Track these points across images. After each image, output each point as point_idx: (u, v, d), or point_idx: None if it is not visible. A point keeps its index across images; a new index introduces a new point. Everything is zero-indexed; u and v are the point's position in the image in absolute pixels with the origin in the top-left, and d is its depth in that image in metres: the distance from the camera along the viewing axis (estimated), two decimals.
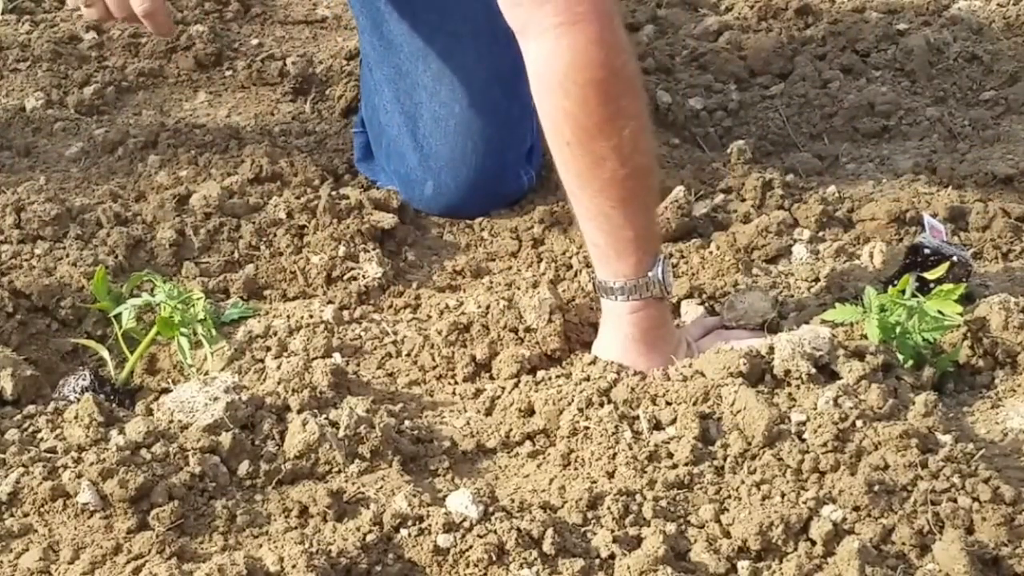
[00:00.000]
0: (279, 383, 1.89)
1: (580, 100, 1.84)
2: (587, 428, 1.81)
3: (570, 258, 2.30)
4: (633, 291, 1.93)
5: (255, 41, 3.10)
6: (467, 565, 1.58)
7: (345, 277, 2.23)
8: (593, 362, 1.97)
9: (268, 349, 2.05)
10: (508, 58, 2.44)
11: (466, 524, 1.61)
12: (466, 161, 2.44)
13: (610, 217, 1.90)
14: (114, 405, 1.89)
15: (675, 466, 1.75)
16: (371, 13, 2.46)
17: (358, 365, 2.05)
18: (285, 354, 2.03)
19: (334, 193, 2.42)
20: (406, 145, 2.46)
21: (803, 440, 1.75)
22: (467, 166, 2.45)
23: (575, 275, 2.24)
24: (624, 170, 1.87)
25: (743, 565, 1.60)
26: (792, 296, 2.14)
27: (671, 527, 1.64)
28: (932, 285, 2.00)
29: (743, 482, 1.71)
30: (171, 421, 1.81)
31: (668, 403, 1.84)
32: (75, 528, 1.67)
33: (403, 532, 1.62)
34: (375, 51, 2.47)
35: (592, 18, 1.83)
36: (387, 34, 2.44)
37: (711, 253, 2.28)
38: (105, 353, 2.01)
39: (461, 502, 1.64)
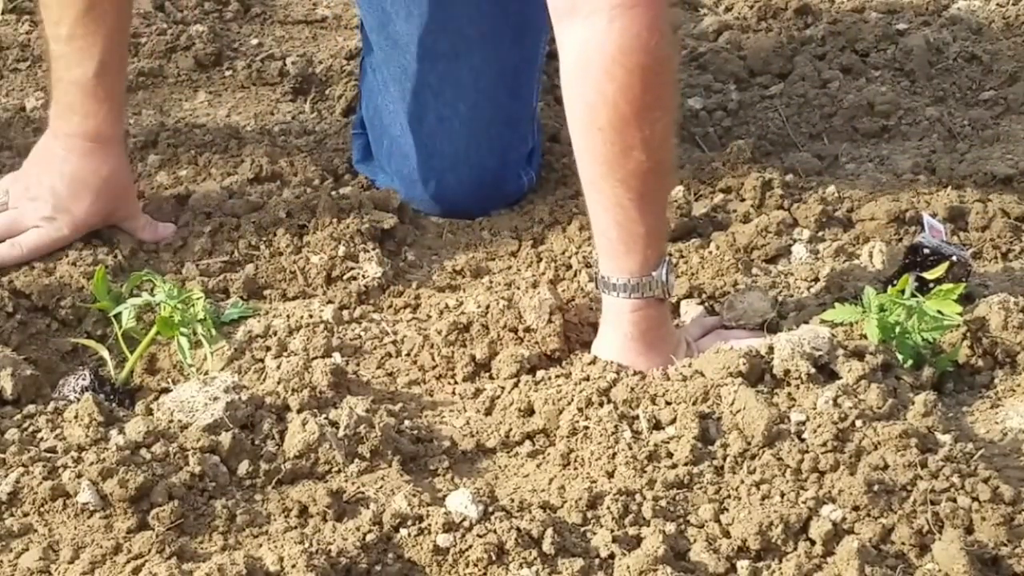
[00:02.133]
0: (279, 383, 1.89)
1: (625, 85, 1.84)
2: (587, 428, 1.81)
3: (570, 258, 2.30)
4: (635, 289, 1.94)
5: (255, 41, 3.10)
6: (467, 565, 1.59)
7: (345, 277, 2.23)
8: (593, 362, 1.97)
9: (268, 349, 2.05)
10: (513, 59, 2.45)
11: (466, 524, 1.62)
12: (469, 161, 2.45)
13: (626, 209, 1.91)
14: (114, 405, 1.89)
15: (675, 466, 1.75)
16: (377, 13, 2.46)
17: (358, 365, 2.05)
18: (285, 354, 2.03)
19: (334, 193, 2.42)
20: (409, 145, 2.46)
21: (803, 440, 1.75)
22: (470, 166, 2.45)
23: (575, 275, 2.24)
24: (649, 163, 1.88)
25: (743, 565, 1.60)
26: (792, 296, 2.14)
27: (671, 527, 1.64)
28: (932, 285, 2.00)
29: (743, 482, 1.71)
30: (171, 421, 1.81)
31: (668, 403, 1.84)
32: (75, 528, 1.67)
33: (403, 532, 1.62)
34: (381, 51, 2.48)
35: (649, 3, 1.84)
36: (393, 34, 2.44)
37: (711, 253, 2.28)
38: (105, 353, 2.01)
39: (461, 502, 1.64)
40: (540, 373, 2.00)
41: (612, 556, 1.60)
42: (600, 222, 1.95)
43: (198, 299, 1.97)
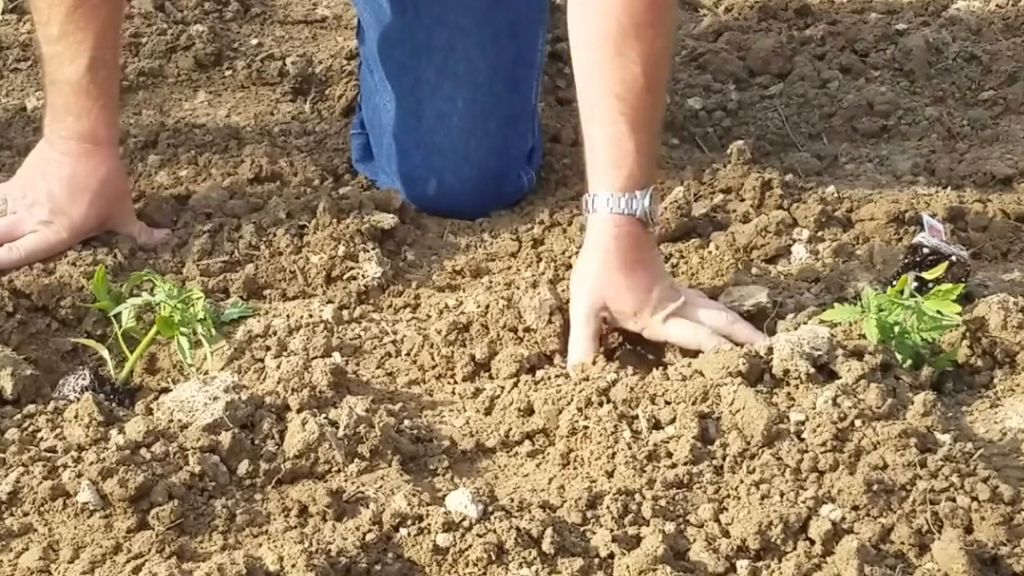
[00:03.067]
0: (279, 383, 1.89)
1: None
2: (586, 428, 1.82)
3: (570, 258, 2.30)
4: (617, 204, 1.99)
5: (255, 41, 3.10)
6: (466, 564, 1.59)
7: (345, 277, 2.24)
8: (593, 362, 1.97)
9: (268, 349, 2.05)
10: (510, 52, 2.46)
11: (465, 523, 1.62)
12: (469, 158, 2.45)
13: (619, 124, 1.98)
14: (114, 405, 1.89)
15: (674, 465, 1.75)
16: (374, 10, 2.46)
17: (358, 365, 2.05)
18: (285, 354, 2.03)
19: (334, 193, 2.42)
20: (409, 143, 2.46)
21: (802, 439, 1.75)
22: (470, 164, 2.45)
23: None
24: (644, 79, 1.97)
25: (742, 564, 1.60)
26: (791, 296, 2.14)
27: (670, 526, 1.64)
28: (931, 285, 2.00)
29: (742, 481, 1.71)
30: (171, 420, 1.81)
31: (667, 402, 1.84)
32: (75, 527, 1.67)
33: (402, 531, 1.62)
34: (378, 48, 2.48)
35: None
36: (389, 30, 2.44)
37: (710, 253, 2.28)
38: (105, 353, 2.01)
39: (460, 501, 1.64)
40: (540, 373, 2.00)
41: (612, 556, 1.61)
42: (593, 138, 2.02)
43: (198, 299, 1.97)
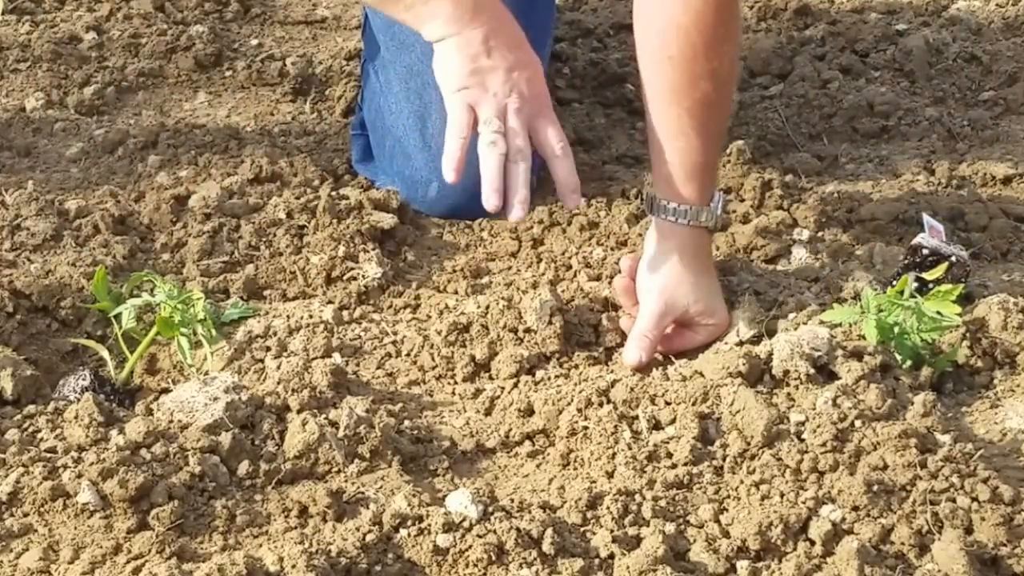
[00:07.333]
0: (279, 383, 1.89)
1: (699, 15, 1.92)
2: (586, 428, 1.82)
3: (570, 258, 2.30)
4: (685, 216, 2.02)
5: (255, 41, 3.10)
6: (467, 565, 1.59)
7: (345, 277, 2.24)
8: (593, 363, 1.97)
9: (268, 349, 2.05)
10: None
11: (466, 524, 1.62)
12: (472, 162, 2.44)
13: (689, 138, 1.99)
14: (114, 405, 1.89)
15: (674, 466, 1.75)
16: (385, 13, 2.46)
17: (358, 365, 2.06)
18: (285, 354, 2.03)
19: (334, 193, 2.42)
20: (413, 145, 2.46)
21: (802, 440, 1.75)
22: (473, 166, 2.45)
23: (575, 275, 2.24)
24: (715, 95, 1.97)
25: (742, 565, 1.60)
26: (792, 296, 2.14)
27: (670, 527, 1.64)
28: (931, 285, 2.00)
29: (742, 482, 1.71)
30: (171, 421, 1.81)
31: (667, 403, 1.84)
32: (75, 528, 1.67)
33: (403, 532, 1.62)
34: (387, 51, 2.47)
35: None
36: (399, 34, 2.44)
37: None
38: (105, 353, 2.01)
39: (460, 502, 1.64)
40: (540, 373, 2.00)
41: (612, 556, 1.61)
42: (663, 150, 2.02)
43: (198, 299, 1.98)
